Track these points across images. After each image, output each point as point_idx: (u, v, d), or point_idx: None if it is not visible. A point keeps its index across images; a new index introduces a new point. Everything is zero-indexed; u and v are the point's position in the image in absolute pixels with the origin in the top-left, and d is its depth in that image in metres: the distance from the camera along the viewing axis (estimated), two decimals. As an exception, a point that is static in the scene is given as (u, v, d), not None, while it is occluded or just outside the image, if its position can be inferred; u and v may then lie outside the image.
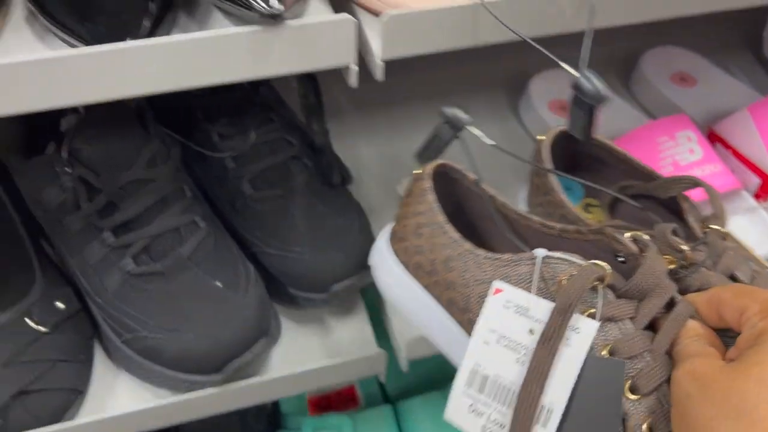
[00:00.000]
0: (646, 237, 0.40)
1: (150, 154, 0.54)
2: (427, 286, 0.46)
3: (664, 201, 0.52)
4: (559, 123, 0.59)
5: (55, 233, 0.56)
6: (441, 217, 0.45)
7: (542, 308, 0.39)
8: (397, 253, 0.47)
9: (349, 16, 0.43)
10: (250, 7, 0.40)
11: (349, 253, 0.57)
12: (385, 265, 0.48)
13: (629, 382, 0.36)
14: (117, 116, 0.54)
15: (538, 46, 0.44)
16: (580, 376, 0.36)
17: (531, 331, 0.39)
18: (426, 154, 0.45)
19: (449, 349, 0.46)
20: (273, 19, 0.40)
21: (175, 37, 0.40)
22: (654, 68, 0.82)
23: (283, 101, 0.65)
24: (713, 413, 0.31)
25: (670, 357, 0.37)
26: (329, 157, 0.61)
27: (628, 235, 0.40)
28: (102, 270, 0.54)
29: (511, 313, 0.40)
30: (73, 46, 0.41)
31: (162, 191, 0.54)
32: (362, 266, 0.55)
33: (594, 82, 0.41)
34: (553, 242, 0.43)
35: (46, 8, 0.41)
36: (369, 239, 0.58)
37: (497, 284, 0.41)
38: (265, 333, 0.54)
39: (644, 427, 0.36)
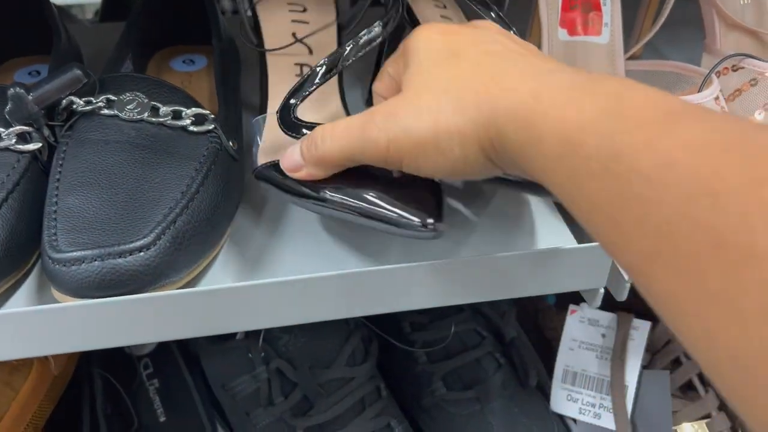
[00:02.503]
0: None
1: (351, 350, 0.51)
2: None
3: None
4: None
5: (240, 424, 0.52)
6: None
7: (607, 318, 0.56)
8: None
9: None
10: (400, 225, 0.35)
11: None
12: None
13: None
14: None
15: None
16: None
17: (603, 336, 0.55)
18: None
19: None
20: (431, 233, 0.35)
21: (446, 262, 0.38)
22: None
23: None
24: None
25: None
26: (523, 353, 0.57)
27: None
28: (290, 473, 0.50)
29: (586, 324, 0.56)
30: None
31: (360, 392, 0.50)
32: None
33: None
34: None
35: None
36: (573, 457, 0.52)
37: (572, 306, 0.56)
38: None
39: None
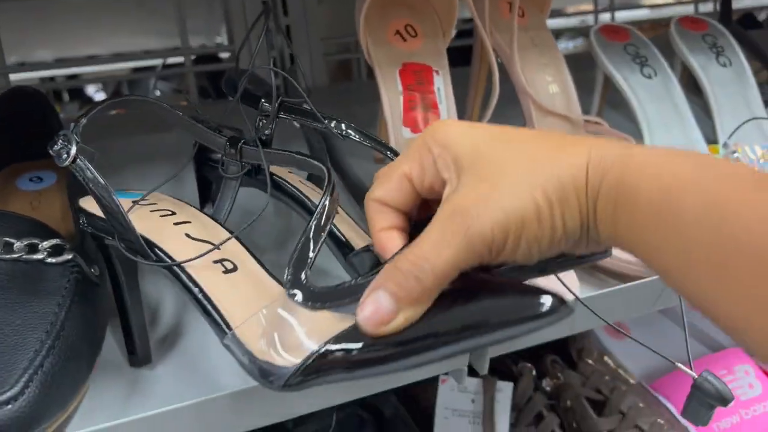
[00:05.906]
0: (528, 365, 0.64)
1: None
2: None
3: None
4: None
5: None
6: None
7: (474, 384, 0.59)
8: None
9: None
10: None
11: None
12: None
13: None
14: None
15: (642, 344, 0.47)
16: None
17: (472, 401, 0.58)
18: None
19: None
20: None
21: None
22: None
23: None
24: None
25: None
26: (401, 430, 0.60)
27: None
28: None
29: (456, 392, 0.58)
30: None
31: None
32: None
33: (714, 384, 0.42)
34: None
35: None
36: None
37: (442, 376, 0.57)
38: None
39: None
